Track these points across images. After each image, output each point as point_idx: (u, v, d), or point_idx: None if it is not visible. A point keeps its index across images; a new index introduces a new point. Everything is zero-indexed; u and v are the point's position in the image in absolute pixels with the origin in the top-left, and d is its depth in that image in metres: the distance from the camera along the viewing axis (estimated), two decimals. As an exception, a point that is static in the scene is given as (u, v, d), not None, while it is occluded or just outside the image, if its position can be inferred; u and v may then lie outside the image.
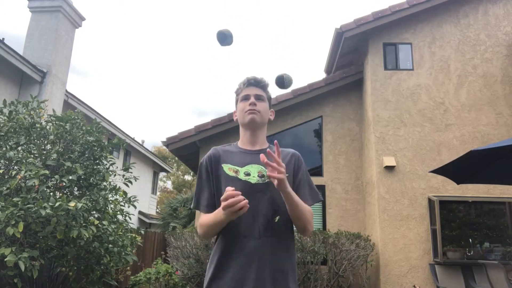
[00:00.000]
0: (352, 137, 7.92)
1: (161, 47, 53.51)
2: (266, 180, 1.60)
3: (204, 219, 1.60)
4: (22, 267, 3.34)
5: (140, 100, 49.75)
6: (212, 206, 1.65)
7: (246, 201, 1.39)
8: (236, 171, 1.62)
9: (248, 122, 1.70)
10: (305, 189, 1.70)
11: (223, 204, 1.40)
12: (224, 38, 1.76)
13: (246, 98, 1.73)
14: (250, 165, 1.64)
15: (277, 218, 1.57)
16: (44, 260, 3.86)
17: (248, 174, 1.61)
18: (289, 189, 1.49)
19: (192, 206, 1.74)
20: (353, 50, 8.34)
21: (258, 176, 1.61)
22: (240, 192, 1.40)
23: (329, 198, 7.56)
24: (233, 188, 1.41)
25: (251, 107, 1.69)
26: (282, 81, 1.75)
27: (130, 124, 46.73)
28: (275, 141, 1.48)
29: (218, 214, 1.48)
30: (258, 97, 1.73)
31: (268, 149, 1.47)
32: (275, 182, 1.43)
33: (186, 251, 6.28)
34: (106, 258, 4.32)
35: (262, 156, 1.46)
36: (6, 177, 3.97)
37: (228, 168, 1.64)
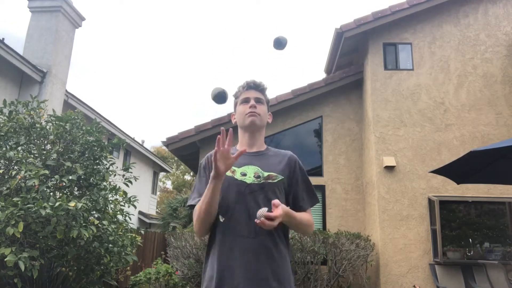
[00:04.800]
0: (352, 137, 7.92)
1: (161, 47, 53.53)
2: (262, 181, 1.63)
3: (197, 205, 1.61)
4: (22, 267, 3.34)
5: (140, 100, 49.77)
6: None
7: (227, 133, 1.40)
8: (233, 171, 1.65)
9: (248, 125, 1.73)
10: (303, 194, 1.73)
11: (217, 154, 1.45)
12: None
13: (246, 101, 1.76)
14: (247, 166, 1.67)
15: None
16: (44, 260, 3.86)
17: (244, 175, 1.64)
18: (290, 213, 1.53)
19: (188, 202, 1.74)
20: (353, 50, 8.34)
21: (254, 176, 1.63)
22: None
23: (329, 198, 7.56)
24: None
25: (251, 109, 1.72)
26: (280, 42, 1.76)
27: (130, 124, 46.75)
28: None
29: (209, 184, 1.51)
30: (258, 100, 1.76)
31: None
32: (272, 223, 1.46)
33: (186, 251, 6.28)
34: (106, 258, 4.32)
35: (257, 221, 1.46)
36: (6, 177, 3.97)
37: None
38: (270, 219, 1.42)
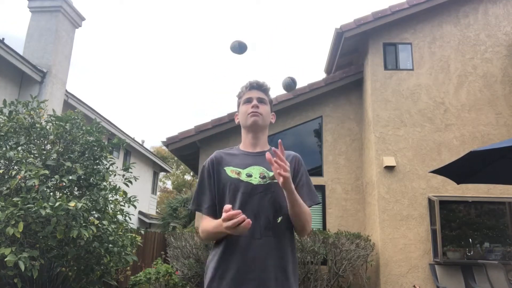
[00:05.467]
0: (352, 137, 7.92)
1: (161, 47, 53.54)
2: (268, 181, 1.62)
3: (205, 225, 1.62)
4: (22, 267, 3.34)
5: (140, 100, 49.76)
6: (213, 209, 1.67)
7: (246, 220, 1.39)
8: (238, 173, 1.65)
9: (250, 125, 1.73)
10: (304, 191, 1.73)
11: (224, 224, 1.41)
12: (240, 48, 1.81)
13: (248, 101, 1.76)
14: (251, 166, 1.67)
15: (279, 218, 1.59)
16: (44, 260, 3.86)
17: (250, 176, 1.63)
18: (293, 187, 1.51)
19: (191, 207, 1.75)
20: (353, 50, 8.34)
21: (259, 177, 1.63)
22: (239, 211, 1.40)
23: (329, 198, 7.56)
24: (230, 207, 1.42)
25: (253, 109, 1.72)
26: (291, 85, 1.82)
27: (130, 124, 46.74)
28: (279, 140, 1.48)
29: (219, 226, 1.48)
30: (261, 100, 1.76)
31: (272, 148, 1.47)
32: (280, 180, 1.44)
33: (186, 251, 6.28)
34: (106, 258, 4.32)
35: (268, 154, 1.46)
36: (6, 177, 3.97)
37: (230, 171, 1.66)
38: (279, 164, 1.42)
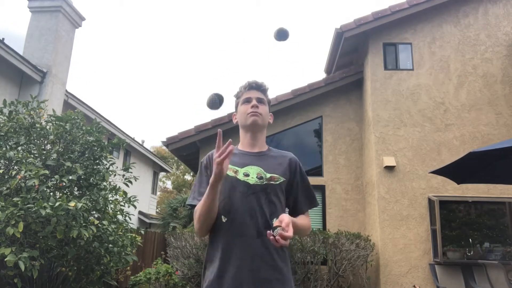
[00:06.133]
0: (352, 137, 7.92)
1: (161, 47, 53.52)
2: (265, 182, 1.62)
3: (197, 206, 1.60)
4: (22, 267, 3.34)
5: (140, 100, 49.75)
6: None
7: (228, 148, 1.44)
8: (236, 171, 1.65)
9: (250, 125, 1.73)
10: (303, 196, 1.74)
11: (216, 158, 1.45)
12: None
13: (247, 101, 1.76)
14: (249, 166, 1.67)
15: (274, 219, 1.59)
16: (44, 260, 3.86)
17: (247, 175, 1.63)
18: (293, 227, 1.49)
19: (188, 201, 1.74)
20: (353, 50, 8.34)
21: (256, 177, 1.63)
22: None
23: (329, 198, 7.56)
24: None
25: (253, 109, 1.72)
26: (283, 34, 1.87)
27: (130, 124, 46.73)
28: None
29: (208, 189, 1.50)
30: (260, 100, 1.76)
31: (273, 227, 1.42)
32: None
33: (186, 251, 6.28)
34: (106, 258, 4.32)
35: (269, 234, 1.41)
36: (6, 177, 3.97)
37: (228, 168, 1.65)
38: (284, 238, 1.37)
